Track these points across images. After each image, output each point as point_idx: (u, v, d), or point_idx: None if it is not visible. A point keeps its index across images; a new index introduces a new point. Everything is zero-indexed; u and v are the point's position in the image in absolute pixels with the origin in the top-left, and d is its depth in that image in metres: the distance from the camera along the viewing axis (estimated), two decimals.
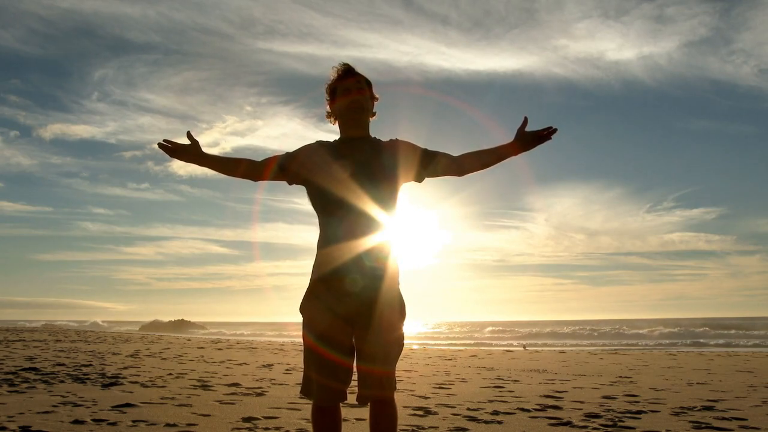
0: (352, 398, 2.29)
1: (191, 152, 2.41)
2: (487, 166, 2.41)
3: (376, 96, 2.45)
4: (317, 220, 2.36)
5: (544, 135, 2.35)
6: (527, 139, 2.35)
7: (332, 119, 2.45)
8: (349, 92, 2.36)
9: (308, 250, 2.37)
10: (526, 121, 2.35)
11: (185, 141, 2.42)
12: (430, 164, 2.38)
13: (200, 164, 2.42)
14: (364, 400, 2.24)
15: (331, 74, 2.42)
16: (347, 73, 2.40)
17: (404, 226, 2.40)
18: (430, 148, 2.40)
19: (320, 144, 2.39)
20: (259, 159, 2.42)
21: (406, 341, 2.45)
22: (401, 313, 2.30)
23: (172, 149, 2.41)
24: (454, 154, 2.39)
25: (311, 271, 2.31)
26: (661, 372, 8.58)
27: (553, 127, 2.34)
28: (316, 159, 2.33)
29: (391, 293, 2.27)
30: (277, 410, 4.62)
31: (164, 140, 2.42)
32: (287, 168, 2.36)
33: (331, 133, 2.49)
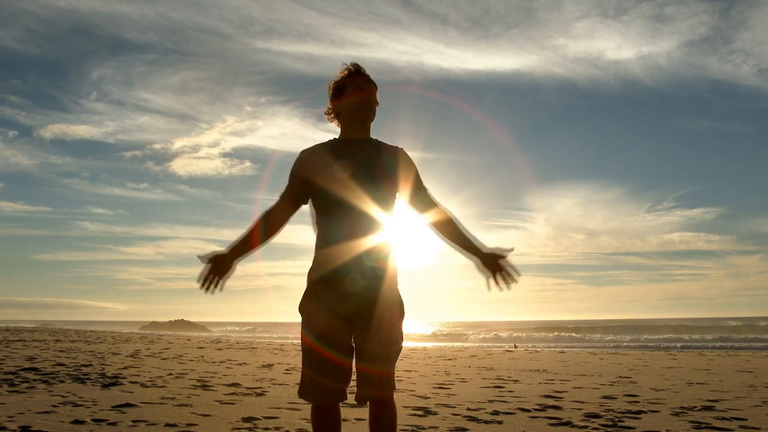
0: (351, 398, 2.29)
1: (226, 262, 2.28)
2: (448, 244, 2.40)
3: (378, 101, 2.45)
4: (311, 220, 2.35)
5: (502, 275, 2.32)
6: (490, 264, 2.33)
7: (332, 117, 2.41)
8: (361, 90, 2.34)
9: (308, 250, 2.36)
10: (506, 253, 2.34)
11: (211, 249, 2.30)
12: (420, 191, 2.39)
13: (241, 259, 2.32)
14: (363, 400, 2.24)
15: (340, 72, 2.38)
16: (359, 72, 2.38)
17: (404, 226, 2.40)
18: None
19: (320, 145, 2.39)
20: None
21: (405, 341, 2.44)
22: (401, 313, 2.30)
23: (214, 275, 2.26)
24: (440, 204, 2.40)
25: (310, 271, 2.31)
26: (661, 372, 8.58)
27: (516, 276, 2.31)
28: (316, 159, 2.32)
29: (390, 293, 2.27)
30: (277, 410, 4.62)
31: (203, 279, 2.25)
32: (297, 175, 2.33)
33: (330, 132, 2.48)
